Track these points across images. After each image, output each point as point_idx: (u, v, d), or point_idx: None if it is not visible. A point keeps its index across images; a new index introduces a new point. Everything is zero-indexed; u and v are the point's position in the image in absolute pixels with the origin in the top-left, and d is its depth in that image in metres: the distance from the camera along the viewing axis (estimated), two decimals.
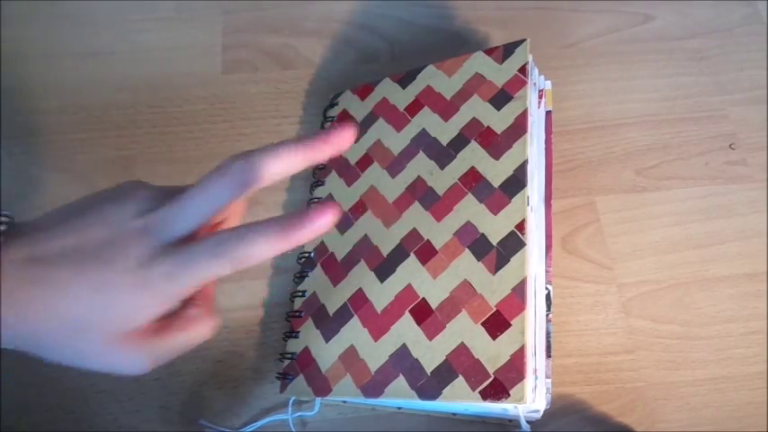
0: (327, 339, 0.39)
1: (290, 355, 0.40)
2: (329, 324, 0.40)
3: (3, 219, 0.25)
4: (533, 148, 0.38)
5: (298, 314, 0.42)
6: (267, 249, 0.25)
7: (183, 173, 0.48)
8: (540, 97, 0.41)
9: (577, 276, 0.43)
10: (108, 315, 0.25)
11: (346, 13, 0.54)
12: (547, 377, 0.36)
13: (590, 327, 0.42)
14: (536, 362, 0.33)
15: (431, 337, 0.35)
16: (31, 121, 0.50)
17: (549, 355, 0.36)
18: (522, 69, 0.39)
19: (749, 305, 0.42)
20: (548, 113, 0.43)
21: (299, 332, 0.41)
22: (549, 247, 0.39)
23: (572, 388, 0.40)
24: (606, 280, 0.43)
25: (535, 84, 0.40)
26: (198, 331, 0.28)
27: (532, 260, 0.34)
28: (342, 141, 0.27)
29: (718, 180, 0.46)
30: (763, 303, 0.42)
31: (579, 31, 0.52)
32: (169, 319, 0.27)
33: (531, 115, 0.38)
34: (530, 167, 0.36)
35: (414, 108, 0.43)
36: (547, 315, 0.37)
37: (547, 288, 0.38)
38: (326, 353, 0.39)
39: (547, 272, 0.38)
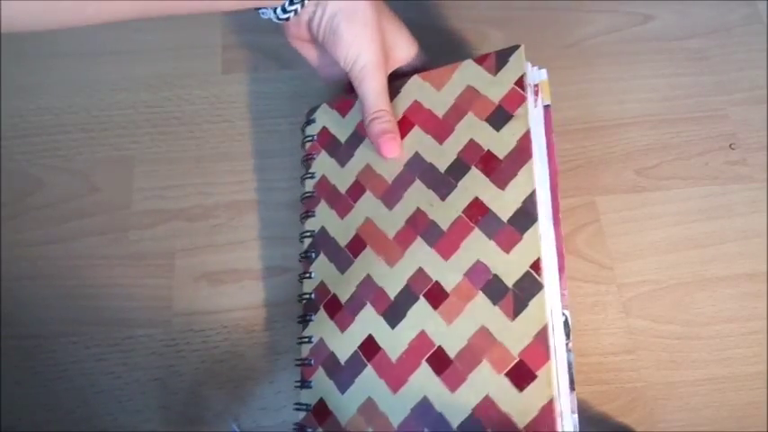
0: (343, 391, 0.37)
1: (305, 407, 0.38)
2: (342, 374, 0.37)
3: None
4: (539, 166, 0.35)
5: (307, 362, 0.39)
6: None
7: (183, 173, 0.48)
8: (537, 94, 0.37)
9: (577, 276, 0.43)
10: None
11: None
12: (573, 413, 0.33)
13: (590, 327, 0.42)
14: (561, 403, 0.31)
15: (453, 388, 0.33)
16: (31, 121, 0.50)
17: (572, 388, 0.34)
18: (520, 82, 0.35)
19: (749, 305, 0.42)
20: (546, 109, 0.38)
21: (311, 382, 0.39)
22: (561, 269, 0.35)
23: None
24: (606, 280, 0.43)
25: (534, 87, 0.37)
26: None
27: (550, 298, 0.32)
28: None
29: (718, 180, 0.46)
30: (763, 303, 0.42)
31: (579, 31, 0.52)
32: None
33: (535, 134, 0.35)
34: (538, 195, 0.33)
35: (403, 127, 0.39)
36: (567, 344, 0.34)
37: (564, 314, 0.35)
38: (344, 405, 0.37)
39: (562, 295, 0.35)
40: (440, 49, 0.52)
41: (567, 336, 0.35)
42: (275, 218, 0.47)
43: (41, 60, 0.52)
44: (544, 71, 0.38)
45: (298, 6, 0.37)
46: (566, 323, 0.35)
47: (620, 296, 0.43)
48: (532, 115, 0.35)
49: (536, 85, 0.37)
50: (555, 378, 0.31)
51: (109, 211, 0.47)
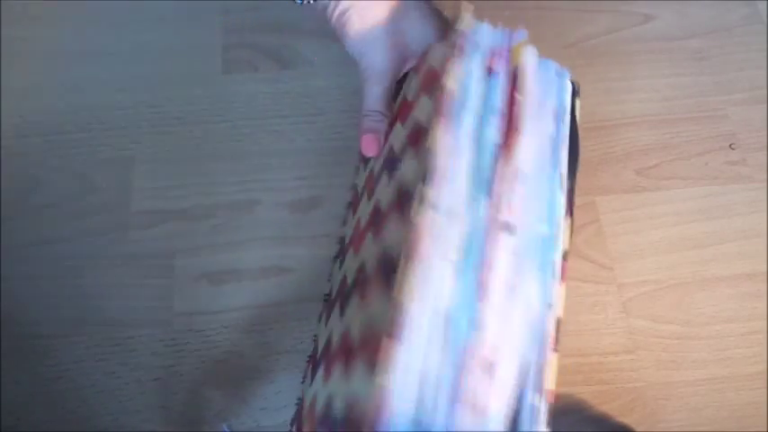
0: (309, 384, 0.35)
1: (299, 401, 0.37)
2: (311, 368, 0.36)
3: None
4: (461, 131, 0.28)
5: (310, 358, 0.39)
6: None
7: (183, 173, 0.48)
8: (496, 57, 0.31)
9: (577, 276, 0.43)
10: None
11: None
12: None
13: (590, 327, 0.42)
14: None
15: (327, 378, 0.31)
16: (31, 121, 0.50)
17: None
18: (456, 44, 0.30)
19: (749, 305, 0.42)
20: (515, 70, 0.31)
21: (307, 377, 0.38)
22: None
23: (572, 388, 0.40)
24: (606, 280, 0.43)
25: (487, 48, 0.31)
26: None
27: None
28: None
29: (718, 180, 0.46)
30: (763, 303, 0.42)
31: (579, 31, 0.52)
32: None
33: (460, 95, 0.28)
34: (439, 157, 0.27)
35: (392, 124, 0.38)
36: None
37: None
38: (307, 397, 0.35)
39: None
40: None
41: None
42: (275, 218, 0.47)
43: (41, 60, 0.52)
44: (522, 32, 0.33)
45: None
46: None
47: (620, 296, 0.43)
48: (462, 76, 0.29)
49: (498, 49, 0.32)
50: None
51: (109, 212, 0.47)
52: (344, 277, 0.36)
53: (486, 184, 0.27)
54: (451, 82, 0.29)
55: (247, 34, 0.53)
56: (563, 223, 0.28)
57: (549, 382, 0.26)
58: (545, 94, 0.31)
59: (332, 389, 0.30)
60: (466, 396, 0.24)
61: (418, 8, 0.39)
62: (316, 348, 0.39)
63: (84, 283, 0.44)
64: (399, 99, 0.39)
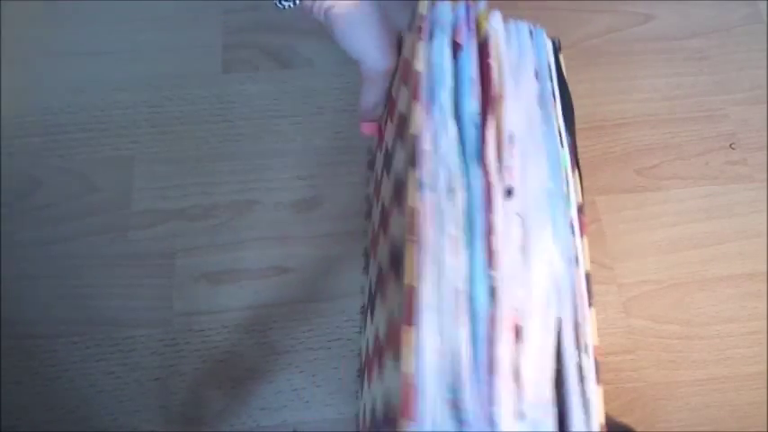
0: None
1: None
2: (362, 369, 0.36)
3: None
4: (439, 108, 0.27)
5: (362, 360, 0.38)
6: None
7: (183, 173, 0.48)
8: (459, 31, 0.30)
9: None
10: None
11: None
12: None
13: None
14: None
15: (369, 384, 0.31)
16: (31, 121, 0.50)
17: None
18: (418, 28, 0.29)
19: (749, 305, 0.42)
20: (484, 44, 0.30)
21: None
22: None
23: None
24: (606, 280, 0.43)
25: (447, 25, 0.30)
26: None
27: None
28: None
29: (718, 180, 0.46)
30: (763, 303, 0.42)
31: (579, 31, 0.52)
32: None
33: (433, 74, 0.28)
34: (423, 139, 0.26)
35: (389, 114, 0.38)
36: None
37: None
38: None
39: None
40: None
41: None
42: (275, 218, 0.47)
43: (41, 60, 0.52)
44: (482, 3, 0.32)
45: (290, 3, 0.37)
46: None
47: (620, 296, 0.43)
48: (431, 56, 0.28)
49: (459, 24, 0.31)
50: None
51: (109, 211, 0.47)
52: (369, 283, 0.36)
53: (476, 153, 0.27)
54: (420, 64, 0.28)
55: (247, 34, 0.53)
56: (571, 177, 0.27)
57: (593, 338, 0.25)
58: (521, 55, 0.31)
59: (374, 392, 0.30)
60: (502, 366, 0.23)
61: None
62: (360, 361, 0.39)
63: (84, 283, 0.44)
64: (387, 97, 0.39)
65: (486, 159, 0.26)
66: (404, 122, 0.29)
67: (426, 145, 0.26)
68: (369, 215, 0.43)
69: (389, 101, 0.37)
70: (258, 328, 0.43)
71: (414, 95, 0.27)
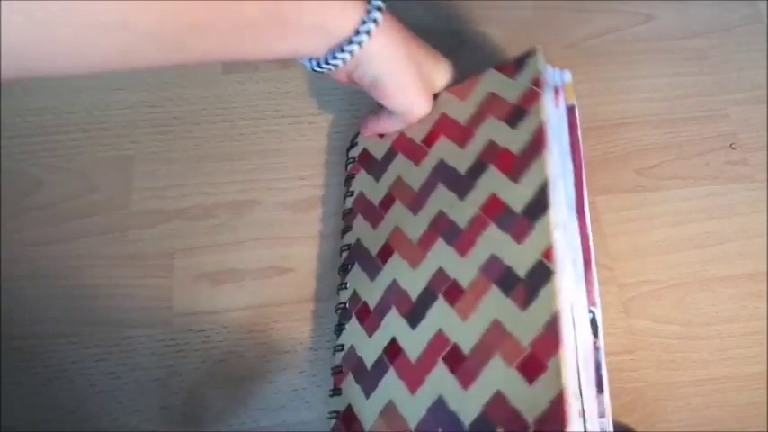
0: (368, 395, 0.37)
1: (335, 414, 0.39)
2: (368, 378, 0.38)
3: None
4: (555, 159, 0.34)
5: (339, 370, 0.40)
6: None
7: (183, 173, 0.48)
8: (557, 94, 0.37)
9: None
10: None
11: None
12: (601, 416, 0.32)
13: None
14: (583, 402, 0.29)
15: (466, 385, 0.32)
16: (31, 121, 0.50)
17: (600, 390, 0.32)
18: (536, 81, 0.36)
19: (750, 305, 0.42)
20: (570, 109, 0.38)
21: (341, 389, 0.39)
22: (587, 262, 0.34)
23: None
24: (606, 280, 0.43)
25: (551, 85, 0.37)
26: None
27: (565, 288, 0.31)
28: None
29: (719, 180, 0.46)
30: (764, 303, 0.42)
31: (579, 31, 0.52)
32: None
33: (551, 127, 0.35)
34: (552, 184, 0.33)
35: (430, 139, 0.41)
36: (594, 343, 0.33)
37: (591, 311, 0.33)
38: (368, 410, 0.37)
39: (589, 292, 0.34)
40: (441, 49, 0.52)
41: (595, 334, 0.33)
42: (275, 218, 0.47)
43: None
44: (568, 73, 0.38)
45: (339, 62, 0.37)
46: (593, 321, 0.33)
47: (620, 296, 0.43)
48: (549, 111, 0.35)
49: (557, 86, 0.37)
50: (568, 370, 0.29)
51: (108, 211, 0.47)
52: (395, 285, 0.39)
53: (574, 204, 0.36)
54: (543, 114, 0.34)
55: None
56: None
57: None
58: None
59: (446, 393, 0.33)
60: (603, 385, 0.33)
61: (419, 45, 0.40)
62: (353, 358, 0.40)
63: (84, 283, 0.44)
64: (436, 118, 0.41)
65: (583, 213, 0.36)
66: (501, 153, 0.36)
67: (555, 192, 0.33)
68: (357, 212, 0.44)
69: (448, 122, 0.41)
70: (258, 328, 0.43)
71: (540, 142, 0.34)
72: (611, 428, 0.32)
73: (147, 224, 0.46)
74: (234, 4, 0.30)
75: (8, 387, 0.42)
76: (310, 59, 0.38)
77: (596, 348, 0.33)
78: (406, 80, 0.39)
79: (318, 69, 0.38)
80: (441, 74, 0.41)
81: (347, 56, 0.36)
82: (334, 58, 0.36)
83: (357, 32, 0.35)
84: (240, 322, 0.44)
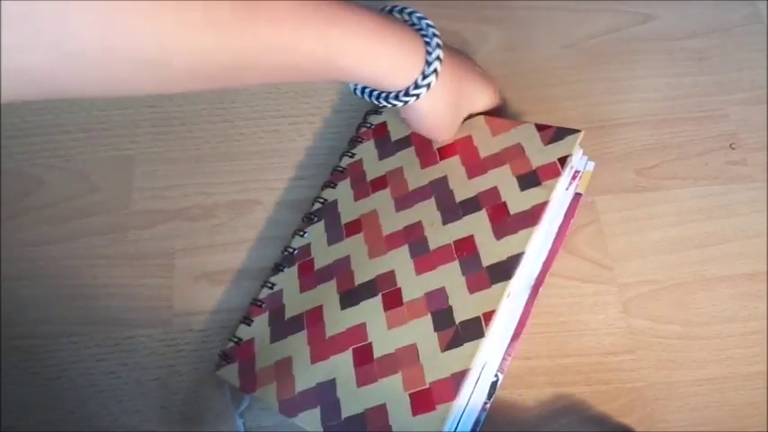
0: (273, 341, 0.40)
1: (236, 340, 0.41)
2: (281, 327, 0.40)
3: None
4: (540, 238, 0.37)
5: (259, 304, 0.42)
6: None
7: (183, 173, 0.48)
8: (574, 178, 0.40)
9: (577, 276, 0.43)
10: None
11: None
12: None
13: (590, 327, 0.42)
14: None
15: (361, 384, 0.35)
16: (31, 121, 0.50)
17: None
18: (563, 160, 0.37)
19: (749, 305, 0.42)
20: (576, 196, 0.41)
21: (253, 321, 0.42)
22: (516, 336, 0.38)
23: (572, 388, 0.40)
24: (606, 280, 0.43)
25: (574, 169, 0.39)
26: None
27: (485, 352, 0.34)
28: None
29: (719, 180, 0.46)
30: (764, 303, 0.42)
31: (579, 31, 0.52)
32: None
33: (552, 208, 0.37)
34: (525, 260, 0.35)
35: (447, 152, 0.42)
36: (485, 404, 0.36)
37: (496, 376, 0.37)
38: (267, 353, 0.39)
39: (504, 359, 0.37)
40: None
41: (489, 396, 0.37)
42: (275, 218, 0.47)
43: None
44: (591, 164, 0.41)
45: (388, 106, 0.36)
46: (493, 385, 0.37)
47: (620, 296, 0.43)
48: (559, 192, 0.37)
49: (578, 171, 0.40)
50: (450, 422, 0.32)
51: (109, 211, 0.47)
52: (346, 263, 0.40)
53: (533, 282, 0.39)
54: (552, 194, 0.36)
55: None
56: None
57: None
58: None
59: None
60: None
61: (471, 74, 0.40)
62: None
63: (83, 283, 0.45)
64: (462, 136, 0.42)
65: (536, 294, 0.39)
66: (498, 203, 0.38)
67: (523, 267, 0.35)
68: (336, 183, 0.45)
69: (469, 146, 0.42)
70: None
71: (536, 216, 0.36)
72: None
73: (147, 224, 0.46)
74: (282, 48, 0.28)
75: (8, 387, 0.42)
76: (378, 95, 0.37)
77: (484, 408, 0.36)
78: (442, 122, 0.40)
79: (362, 97, 0.38)
80: (483, 100, 0.42)
81: (399, 104, 0.36)
82: (387, 100, 0.36)
83: (417, 85, 0.35)
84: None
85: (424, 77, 0.35)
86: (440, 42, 0.35)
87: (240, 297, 0.44)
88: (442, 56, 0.35)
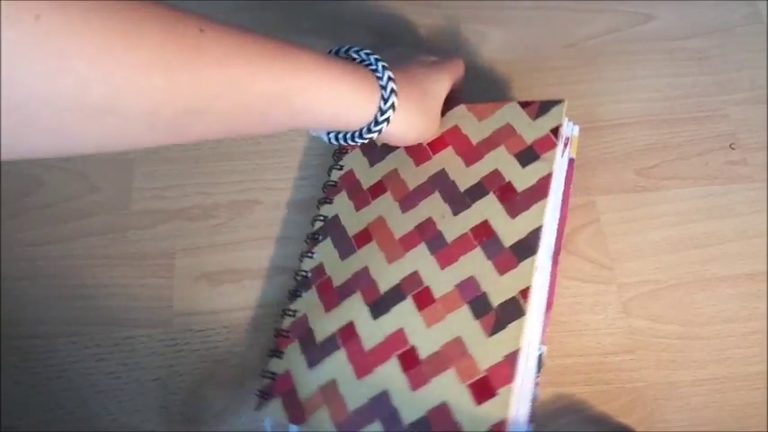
0: (311, 366, 0.38)
1: (271, 375, 0.40)
2: (315, 351, 0.39)
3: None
4: (551, 207, 0.37)
5: (285, 334, 0.41)
6: None
7: (183, 173, 0.48)
8: (566, 145, 0.40)
9: (577, 276, 0.43)
10: None
11: (345, 13, 0.54)
12: None
13: (590, 327, 0.42)
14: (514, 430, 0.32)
15: (415, 387, 0.34)
16: None
17: (531, 421, 0.35)
18: (555, 130, 0.38)
19: (749, 305, 0.42)
20: (570, 162, 0.41)
21: (283, 352, 0.40)
22: (549, 306, 0.38)
23: (572, 388, 0.40)
24: (606, 280, 0.43)
25: (564, 136, 0.39)
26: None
27: (529, 328, 0.34)
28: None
29: (719, 180, 0.46)
30: (764, 303, 0.42)
31: (579, 31, 0.52)
32: None
33: (556, 179, 0.37)
34: (544, 232, 0.35)
35: (437, 146, 0.42)
36: (536, 378, 0.36)
37: (540, 349, 0.37)
38: (308, 380, 0.38)
39: (543, 331, 0.37)
40: (442, 49, 0.52)
41: (539, 370, 0.37)
42: (275, 218, 0.47)
43: None
44: (576, 128, 0.41)
45: (382, 126, 0.37)
46: (540, 358, 0.36)
47: (620, 296, 0.43)
48: (558, 162, 0.37)
49: (567, 137, 0.40)
50: (514, 402, 0.32)
51: (108, 211, 0.47)
52: (364, 273, 0.40)
53: (552, 251, 0.39)
54: (554, 165, 0.37)
55: None
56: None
57: None
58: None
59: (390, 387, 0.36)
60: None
61: (426, 80, 0.40)
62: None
63: (83, 283, 0.45)
64: (448, 127, 0.42)
65: (557, 261, 0.39)
66: (503, 185, 0.38)
67: (543, 238, 0.35)
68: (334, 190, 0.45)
69: (459, 137, 0.42)
70: (258, 328, 0.43)
71: (543, 189, 0.36)
72: None
73: (147, 224, 0.46)
74: (234, 87, 0.28)
75: (8, 387, 0.42)
76: (340, 135, 0.38)
77: (536, 383, 0.36)
78: (422, 128, 0.40)
79: (335, 143, 0.39)
80: (448, 83, 0.41)
81: (372, 136, 0.37)
82: (359, 137, 0.37)
83: (377, 122, 0.36)
84: (240, 322, 0.44)
85: (383, 113, 0.36)
86: (391, 75, 0.36)
87: (240, 297, 0.44)
88: (396, 87, 0.36)
